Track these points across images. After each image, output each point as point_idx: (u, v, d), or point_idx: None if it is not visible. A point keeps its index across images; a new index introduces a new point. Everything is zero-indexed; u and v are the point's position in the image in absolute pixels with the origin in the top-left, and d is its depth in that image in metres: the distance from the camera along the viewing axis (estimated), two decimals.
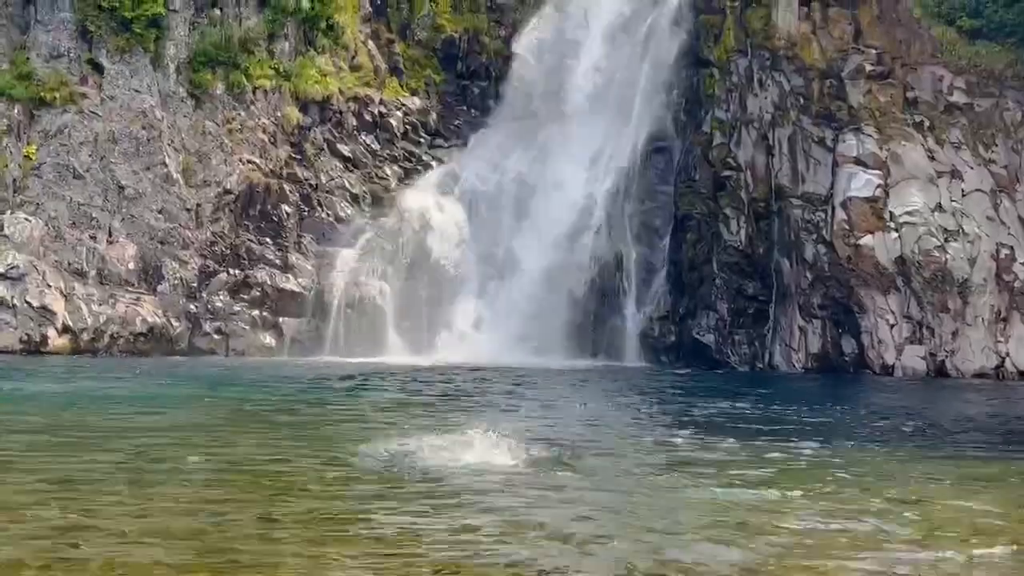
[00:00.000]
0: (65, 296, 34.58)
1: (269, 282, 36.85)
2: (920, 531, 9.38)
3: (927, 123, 34.97)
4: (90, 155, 36.57)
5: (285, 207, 37.82)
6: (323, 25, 39.35)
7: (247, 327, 36.38)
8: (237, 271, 36.80)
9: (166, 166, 36.87)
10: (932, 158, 34.54)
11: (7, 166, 35.94)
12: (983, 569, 8.21)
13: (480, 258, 38.30)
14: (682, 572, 8.11)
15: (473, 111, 41.30)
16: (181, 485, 11.09)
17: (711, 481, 11.66)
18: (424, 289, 37.76)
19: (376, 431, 15.54)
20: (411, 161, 39.91)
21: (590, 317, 36.69)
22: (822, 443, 15.17)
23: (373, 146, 39.55)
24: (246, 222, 37.50)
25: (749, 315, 35.76)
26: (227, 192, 37.43)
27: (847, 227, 33.95)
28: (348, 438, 14.76)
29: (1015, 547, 8.80)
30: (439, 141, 40.63)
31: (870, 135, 34.69)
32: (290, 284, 37.05)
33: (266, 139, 37.98)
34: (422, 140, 40.42)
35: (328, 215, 38.24)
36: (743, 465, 13.00)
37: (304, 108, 38.89)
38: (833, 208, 34.34)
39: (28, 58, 37.00)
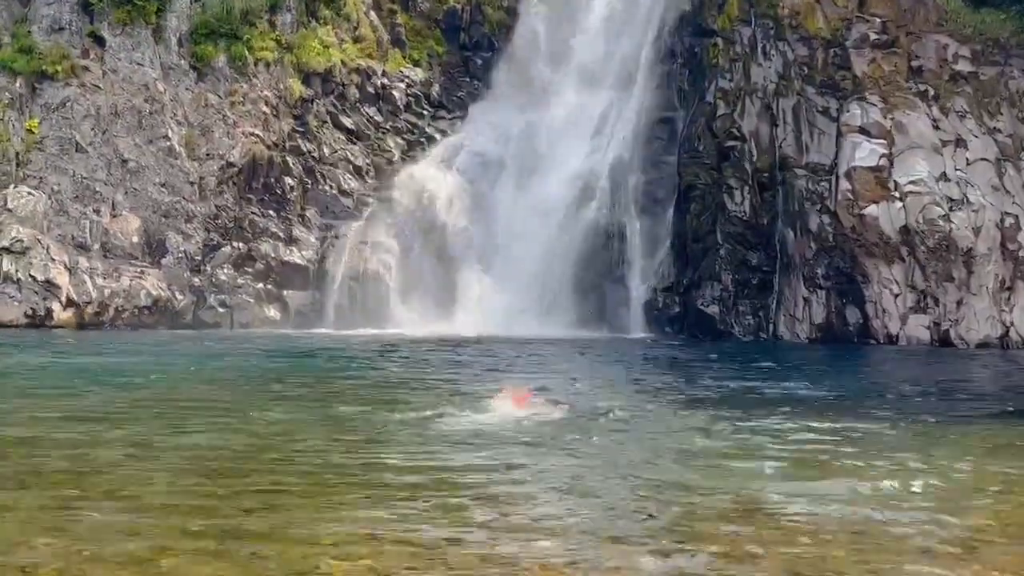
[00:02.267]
0: (69, 270, 34.00)
1: (273, 255, 36.55)
2: None
3: (932, 92, 34.27)
4: (92, 128, 35.91)
5: (288, 180, 37.42)
6: None
7: (251, 300, 36.07)
8: (241, 244, 36.41)
9: (169, 139, 36.26)
10: (937, 127, 33.90)
11: (10, 140, 35.29)
12: None
13: (484, 230, 37.84)
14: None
15: (475, 82, 40.84)
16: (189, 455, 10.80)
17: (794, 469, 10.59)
18: (428, 261, 37.52)
19: (409, 399, 15.42)
20: (414, 133, 39.52)
21: (595, 288, 36.20)
22: (895, 419, 14.20)
23: (376, 118, 39.18)
24: (249, 195, 37.03)
25: (753, 286, 35.23)
26: (230, 165, 36.85)
27: (851, 197, 33.37)
28: (376, 406, 14.56)
29: None
30: (442, 113, 40.26)
31: (874, 104, 34.06)
32: (294, 257, 36.78)
33: (268, 111, 37.40)
34: (425, 112, 40.04)
35: (331, 187, 37.88)
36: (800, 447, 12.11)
37: (306, 80, 38.38)
38: (837, 178, 33.77)
39: (30, 31, 36.27)
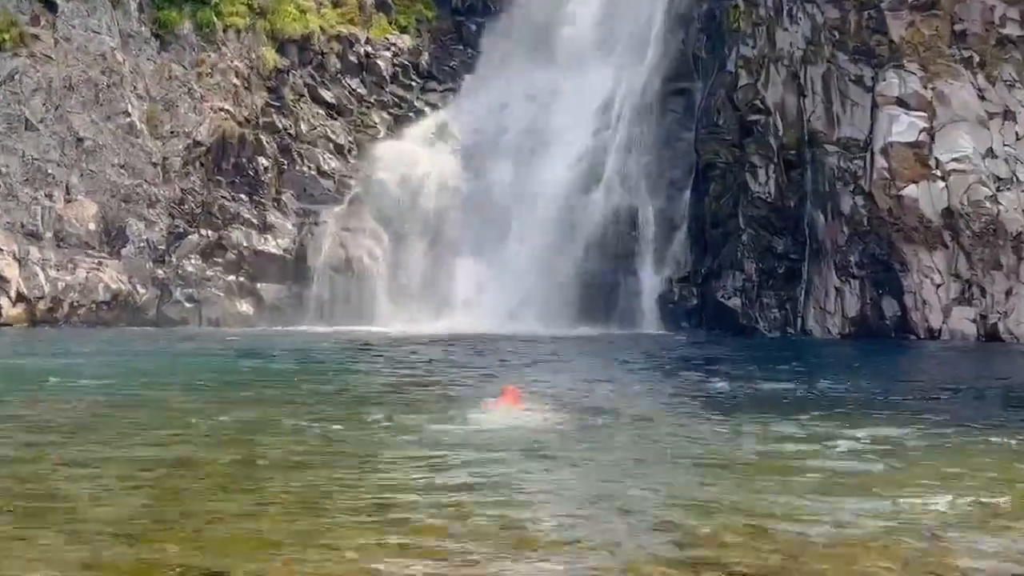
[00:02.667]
0: (19, 261, 33.99)
1: (245, 244, 36.58)
2: None
3: (977, 59, 33.86)
4: (44, 104, 35.73)
5: (262, 160, 37.41)
6: None
7: (221, 294, 36.09)
8: (210, 232, 36.41)
9: (129, 115, 36.19)
10: (983, 98, 33.52)
11: None
12: None
13: (480, 215, 37.64)
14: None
15: (469, 51, 40.75)
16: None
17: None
18: (418, 250, 37.58)
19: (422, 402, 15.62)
20: (401, 107, 39.53)
21: (602, 280, 36.16)
22: (941, 425, 14.07)
23: (359, 91, 39.22)
24: (219, 177, 37.05)
25: (779, 275, 35.14)
26: (197, 144, 36.85)
27: (888, 176, 33.21)
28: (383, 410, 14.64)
29: None
30: (432, 85, 40.31)
31: (913, 73, 33.78)
32: (269, 246, 36.78)
33: (240, 84, 37.46)
34: (413, 84, 40.04)
35: (310, 168, 37.87)
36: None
37: (282, 49, 38.47)
38: (872, 155, 33.62)
39: None
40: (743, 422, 14.06)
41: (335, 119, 38.45)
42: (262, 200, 37.02)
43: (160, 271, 35.64)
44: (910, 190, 33.01)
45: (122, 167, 35.87)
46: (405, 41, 40.09)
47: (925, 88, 33.60)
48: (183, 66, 37.03)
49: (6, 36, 35.47)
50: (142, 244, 35.62)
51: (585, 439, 12.51)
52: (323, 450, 11.73)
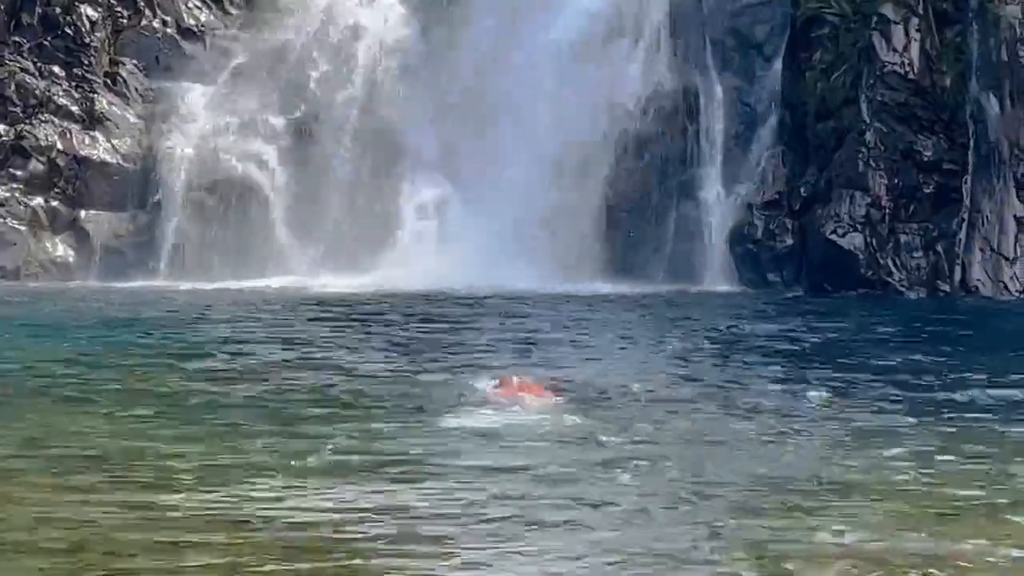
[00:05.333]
0: None
1: (60, 147, 36.28)
2: None
3: None
4: None
5: (87, 10, 37.05)
6: None
7: (22, 228, 35.77)
8: (1, 127, 36.33)
9: None
10: None
11: None
12: None
13: (441, 99, 37.36)
14: None
15: None
16: None
17: None
18: (343, 158, 37.49)
19: None
20: None
21: (641, 207, 36.08)
22: None
23: None
24: (16, 38, 36.86)
25: (926, 198, 34.51)
26: None
27: None
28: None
29: None
30: None
31: None
32: (99, 150, 36.45)
33: None
34: None
35: (165, 24, 37.44)
36: None
37: None
38: None
39: None
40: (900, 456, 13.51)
41: None
42: (87, 76, 36.75)
43: None
44: None
45: None
46: None
47: None
48: None
49: None
50: None
51: (619, 452, 13.21)
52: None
